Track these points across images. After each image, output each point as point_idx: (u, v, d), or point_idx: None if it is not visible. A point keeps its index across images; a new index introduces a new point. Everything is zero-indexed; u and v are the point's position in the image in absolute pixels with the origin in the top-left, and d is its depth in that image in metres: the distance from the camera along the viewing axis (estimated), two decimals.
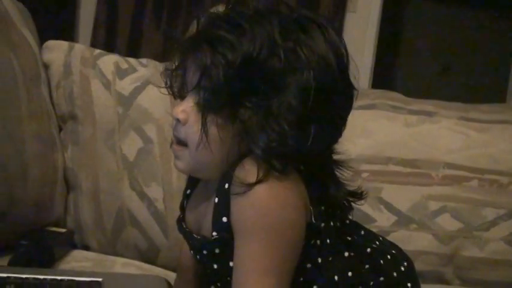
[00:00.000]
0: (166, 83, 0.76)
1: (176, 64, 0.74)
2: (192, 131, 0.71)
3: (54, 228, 1.15)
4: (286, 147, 0.68)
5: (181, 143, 0.73)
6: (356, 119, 1.35)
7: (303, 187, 0.72)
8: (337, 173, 0.77)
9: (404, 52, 3.25)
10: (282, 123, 0.67)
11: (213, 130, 0.69)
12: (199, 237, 0.76)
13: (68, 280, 0.80)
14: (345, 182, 0.78)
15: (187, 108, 0.71)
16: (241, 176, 0.68)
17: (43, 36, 1.30)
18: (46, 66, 1.26)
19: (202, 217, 0.76)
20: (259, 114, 0.67)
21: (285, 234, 0.68)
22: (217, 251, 0.73)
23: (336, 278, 0.75)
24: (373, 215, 1.24)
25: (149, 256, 1.19)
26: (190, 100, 0.71)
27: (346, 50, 0.73)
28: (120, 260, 1.15)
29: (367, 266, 0.78)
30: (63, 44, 1.30)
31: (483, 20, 3.10)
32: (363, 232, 0.82)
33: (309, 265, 0.73)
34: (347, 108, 0.73)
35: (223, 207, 0.70)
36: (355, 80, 0.74)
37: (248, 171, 0.68)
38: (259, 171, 0.67)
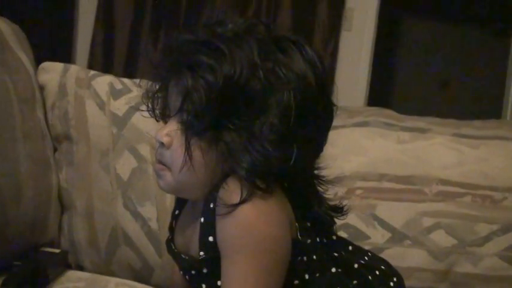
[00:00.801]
0: (148, 106, 0.77)
1: (157, 87, 0.75)
2: (176, 154, 0.71)
3: (48, 249, 1.15)
4: (270, 167, 0.68)
5: (165, 165, 0.74)
6: (350, 137, 1.39)
7: (288, 204, 0.72)
8: (319, 188, 0.78)
9: (399, 69, 3.27)
10: (264, 144, 0.68)
11: (197, 153, 0.70)
12: (187, 258, 0.77)
13: None
14: (326, 197, 0.79)
15: (171, 132, 0.72)
16: (225, 197, 0.68)
17: (40, 56, 1.32)
18: (41, 88, 1.27)
19: (190, 237, 0.77)
20: (242, 135, 0.68)
21: (271, 251, 0.68)
22: (205, 270, 0.73)
23: None
24: (367, 231, 1.24)
25: (143, 275, 1.19)
26: (174, 123, 0.72)
27: (323, 66, 0.73)
28: (114, 280, 1.14)
29: (355, 282, 0.78)
30: (59, 66, 1.31)
31: (477, 38, 3.13)
32: (350, 248, 0.82)
33: (296, 281, 0.73)
34: (328, 124, 0.74)
35: (209, 227, 0.70)
36: (335, 97, 0.76)
37: (232, 192, 0.68)
38: (243, 191, 0.68)
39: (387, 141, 1.34)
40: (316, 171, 0.78)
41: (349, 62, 2.39)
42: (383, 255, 0.89)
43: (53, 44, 2.16)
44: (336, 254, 0.79)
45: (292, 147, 0.69)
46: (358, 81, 2.36)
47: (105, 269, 1.20)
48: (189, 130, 0.70)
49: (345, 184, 1.30)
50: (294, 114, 0.68)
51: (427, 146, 1.34)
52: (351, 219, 1.24)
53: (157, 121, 0.78)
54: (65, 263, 1.17)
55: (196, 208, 0.77)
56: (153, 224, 1.19)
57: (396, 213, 1.27)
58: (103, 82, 1.29)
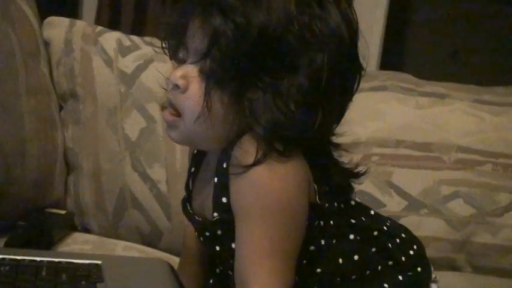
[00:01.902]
0: (164, 39, 0.70)
1: (178, 21, 0.68)
2: (193, 102, 0.66)
3: (53, 210, 1.12)
4: (291, 129, 0.64)
5: (176, 111, 0.68)
6: (366, 101, 1.34)
7: (307, 167, 0.68)
8: (334, 153, 0.74)
9: (413, 35, 3.20)
10: (290, 104, 0.63)
11: (216, 105, 0.65)
12: (201, 219, 0.74)
13: (66, 262, 0.76)
14: (341, 161, 0.75)
15: (188, 74, 0.66)
16: (240, 156, 0.64)
17: (46, 12, 1.27)
18: (46, 43, 1.24)
19: (205, 198, 0.73)
20: (267, 92, 0.63)
21: (286, 214, 0.65)
22: (219, 232, 0.70)
23: (340, 261, 0.72)
24: (382, 199, 1.21)
25: (152, 239, 1.17)
26: (193, 67, 0.66)
27: (357, 23, 0.68)
28: (122, 243, 1.12)
29: (373, 249, 0.75)
30: (64, 21, 1.27)
31: (491, 3, 3.06)
32: (370, 214, 0.79)
33: (312, 247, 0.70)
34: (354, 88, 0.69)
35: (223, 187, 0.67)
36: (363, 60, 0.71)
37: (246, 152, 0.64)
38: (258, 151, 0.63)
39: (405, 106, 1.30)
40: (333, 137, 0.73)
41: (362, 26, 2.33)
42: None
43: (59, 3, 2.11)
44: (353, 221, 0.75)
45: (317, 111, 0.64)
46: (372, 44, 2.30)
47: (113, 232, 1.17)
48: (211, 78, 0.64)
49: (360, 150, 1.26)
50: (325, 78, 0.63)
51: (446, 112, 1.30)
52: (366, 186, 1.21)
53: (170, 59, 0.71)
54: (71, 224, 1.15)
55: (210, 166, 0.73)
56: (162, 187, 1.15)
57: (413, 180, 1.23)
58: (111, 38, 1.25)
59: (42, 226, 1.02)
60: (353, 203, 0.77)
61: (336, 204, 0.73)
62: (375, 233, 0.76)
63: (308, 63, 0.63)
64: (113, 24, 2.21)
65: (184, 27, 0.67)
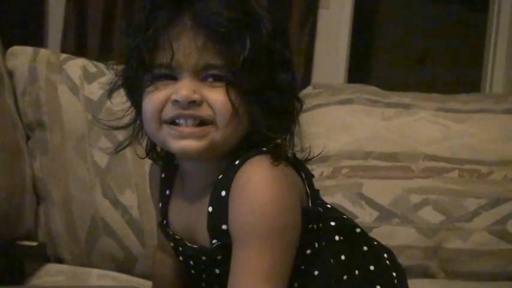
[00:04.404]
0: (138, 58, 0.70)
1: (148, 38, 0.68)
2: (221, 106, 0.68)
3: (24, 242, 1.11)
4: (295, 118, 0.71)
5: (204, 122, 0.69)
6: (334, 115, 1.36)
7: (296, 176, 0.72)
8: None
9: (379, 45, 3.25)
10: (290, 97, 0.70)
11: (241, 106, 0.69)
12: (195, 247, 0.74)
13: None
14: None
15: (195, 88, 0.68)
16: (243, 184, 0.67)
17: (11, 42, 1.26)
18: (11, 73, 1.22)
19: (193, 225, 0.74)
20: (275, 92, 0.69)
21: (283, 239, 0.67)
22: (219, 257, 0.71)
23: (331, 261, 0.74)
24: (354, 211, 1.22)
25: (126, 266, 1.16)
26: (193, 80, 0.68)
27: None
28: (96, 271, 1.11)
29: (365, 248, 0.78)
30: (28, 50, 1.26)
31: (456, 12, 3.12)
32: (345, 216, 0.81)
33: (308, 251, 0.73)
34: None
35: (222, 215, 0.69)
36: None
37: (249, 178, 0.67)
38: (261, 173, 0.67)
39: (372, 118, 1.32)
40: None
41: (328, 40, 2.36)
42: (372, 234, 0.87)
43: (23, 29, 2.08)
44: (333, 223, 0.77)
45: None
46: (338, 59, 2.34)
47: (86, 260, 1.16)
48: (238, 85, 0.68)
49: (330, 164, 1.27)
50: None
51: (412, 121, 1.32)
52: (338, 198, 1.22)
53: (148, 86, 0.70)
54: (43, 256, 1.13)
55: (190, 190, 0.74)
56: (134, 212, 1.15)
57: (383, 191, 1.25)
58: (75, 66, 1.24)
59: (13, 259, 1.01)
60: (329, 206, 0.79)
61: (319, 208, 0.75)
62: (357, 230, 0.79)
63: (285, 51, 0.70)
64: (79, 49, 2.20)
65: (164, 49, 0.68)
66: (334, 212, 0.79)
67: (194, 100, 0.67)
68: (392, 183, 1.25)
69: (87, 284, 1.01)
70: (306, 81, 2.08)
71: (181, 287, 0.85)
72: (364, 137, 1.30)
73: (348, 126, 1.31)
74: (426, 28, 3.12)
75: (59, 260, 1.16)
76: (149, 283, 1.00)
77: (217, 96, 0.67)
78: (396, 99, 1.36)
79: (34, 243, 1.11)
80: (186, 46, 0.67)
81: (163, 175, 0.80)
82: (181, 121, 0.68)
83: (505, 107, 1.34)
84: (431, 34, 3.13)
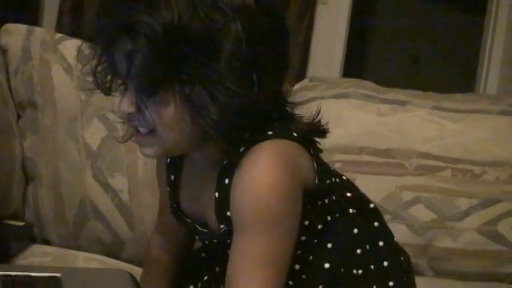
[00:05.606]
0: (96, 83, 0.72)
1: (99, 59, 0.69)
2: (152, 117, 0.66)
3: (11, 221, 1.09)
4: (240, 106, 0.65)
5: (147, 131, 0.69)
6: (329, 108, 1.34)
7: (306, 156, 0.71)
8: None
9: (374, 43, 3.25)
10: (227, 85, 0.64)
11: (167, 110, 0.66)
12: (206, 231, 0.76)
13: (24, 276, 0.74)
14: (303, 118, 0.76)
15: (133, 99, 0.67)
16: (242, 173, 0.67)
17: (6, 21, 1.24)
18: (4, 51, 1.21)
19: (204, 209, 0.75)
20: (201, 83, 0.64)
21: (282, 227, 0.68)
22: (228, 241, 0.71)
23: (344, 235, 0.75)
24: None
25: (114, 250, 1.14)
26: (132, 90, 0.67)
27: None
28: (83, 254, 1.10)
29: (376, 224, 0.79)
30: (22, 28, 1.24)
31: (451, 14, 3.13)
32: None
33: (320, 226, 0.73)
34: (284, 44, 0.71)
35: (226, 202, 0.70)
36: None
37: (250, 167, 0.67)
38: (260, 162, 0.66)
39: (367, 113, 1.31)
40: (284, 96, 0.74)
41: (325, 35, 2.36)
42: None
43: (18, 7, 2.06)
44: (349, 194, 0.78)
45: (252, 77, 0.65)
46: (334, 54, 2.34)
47: (73, 243, 1.14)
48: (143, 94, 0.65)
49: (323, 157, 1.26)
50: (245, 45, 0.64)
51: (407, 118, 1.32)
52: None
53: (107, 95, 0.72)
54: (30, 236, 1.12)
55: (198, 174, 0.75)
56: (124, 196, 1.13)
57: (376, 187, 1.24)
58: (71, 46, 1.22)
59: None
60: (344, 177, 0.80)
61: (333, 179, 0.76)
62: (371, 205, 0.80)
63: (225, 39, 0.64)
64: (75, 29, 2.18)
65: (109, 57, 0.68)
66: (350, 184, 0.81)
67: (131, 112, 0.67)
68: (385, 180, 1.25)
69: (73, 266, 1.00)
70: (302, 74, 2.08)
71: (176, 274, 0.85)
72: (358, 132, 1.29)
73: (342, 121, 1.30)
74: (423, 28, 3.13)
75: (46, 242, 1.15)
76: (137, 268, 1.00)
77: (152, 107, 0.66)
78: (392, 96, 1.35)
79: (21, 223, 1.10)
80: (118, 55, 0.66)
81: (168, 160, 0.81)
82: (134, 131, 0.70)
83: (501, 108, 1.34)
84: (427, 34, 3.14)
